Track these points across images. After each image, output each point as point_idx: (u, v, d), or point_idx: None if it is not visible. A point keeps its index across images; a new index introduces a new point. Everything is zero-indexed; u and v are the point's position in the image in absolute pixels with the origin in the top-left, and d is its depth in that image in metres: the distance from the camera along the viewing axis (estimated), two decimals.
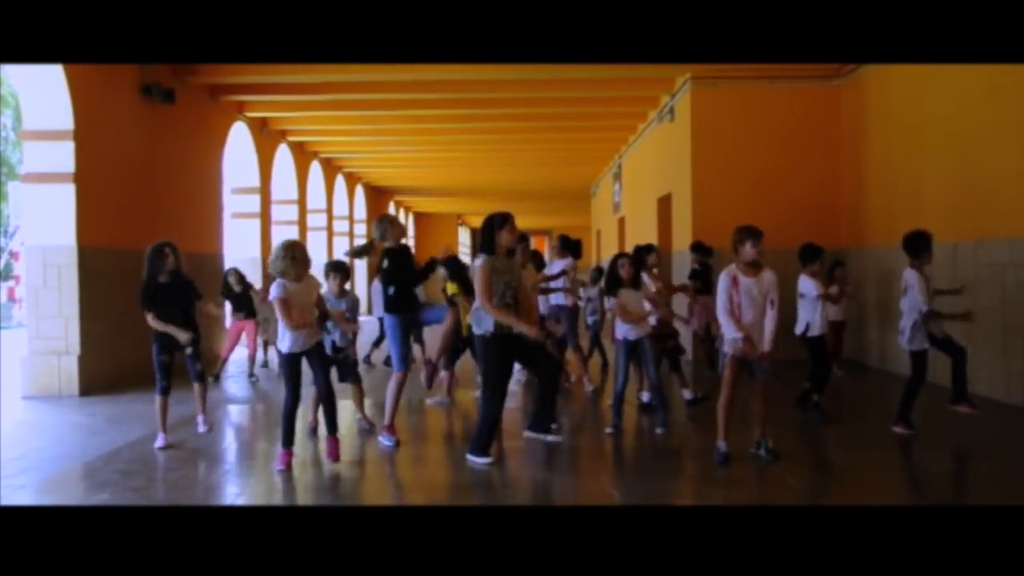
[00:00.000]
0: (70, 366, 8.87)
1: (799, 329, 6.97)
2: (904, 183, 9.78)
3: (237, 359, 11.04)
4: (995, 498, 4.95)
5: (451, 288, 7.58)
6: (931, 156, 9.20)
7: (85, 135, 9.03)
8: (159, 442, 6.34)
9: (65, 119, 8.86)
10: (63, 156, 8.87)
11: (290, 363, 5.64)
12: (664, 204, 13.59)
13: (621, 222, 19.40)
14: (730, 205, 11.24)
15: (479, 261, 5.57)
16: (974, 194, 8.32)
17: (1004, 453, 6.14)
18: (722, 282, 5.61)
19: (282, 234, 15.99)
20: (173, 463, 5.90)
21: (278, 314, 5.51)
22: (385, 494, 5.38)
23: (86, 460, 5.99)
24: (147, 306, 6.30)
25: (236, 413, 8.05)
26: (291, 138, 16.36)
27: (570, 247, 9.35)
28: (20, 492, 5.15)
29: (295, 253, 5.54)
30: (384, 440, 6.35)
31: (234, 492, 5.36)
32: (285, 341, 5.59)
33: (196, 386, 6.77)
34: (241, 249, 14.43)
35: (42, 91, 8.79)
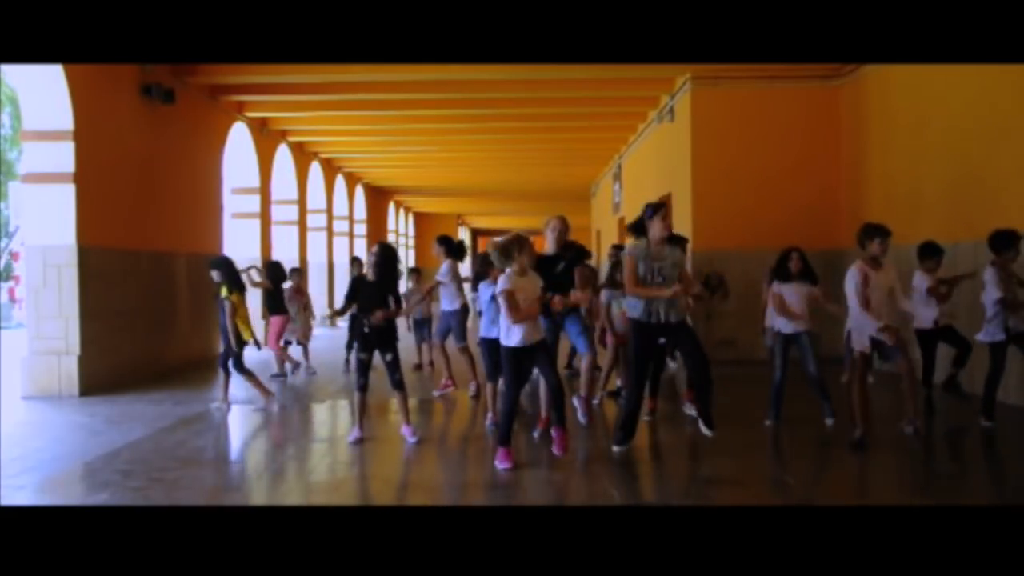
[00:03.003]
0: (70, 366, 8.86)
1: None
2: (904, 183, 9.77)
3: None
4: (995, 498, 4.96)
5: (223, 291, 7.77)
6: (931, 156, 9.20)
7: (85, 135, 9.03)
8: (353, 435, 6.43)
9: (65, 119, 8.85)
10: (63, 156, 8.86)
11: (516, 357, 5.53)
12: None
13: (621, 222, 19.38)
14: (730, 205, 11.27)
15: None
16: (974, 194, 8.32)
17: (1004, 454, 6.14)
18: (852, 279, 5.88)
19: (282, 234, 16.01)
20: (173, 463, 5.89)
21: (504, 306, 5.41)
22: (384, 494, 5.38)
23: (86, 460, 5.99)
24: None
25: (236, 413, 8.04)
26: (291, 138, 16.35)
27: (452, 250, 9.15)
28: (20, 492, 5.14)
29: (522, 246, 5.52)
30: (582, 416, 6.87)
31: (234, 492, 5.36)
32: (511, 336, 5.50)
33: (396, 395, 6.57)
34: (241, 249, 14.42)
35: (42, 91, 8.78)
